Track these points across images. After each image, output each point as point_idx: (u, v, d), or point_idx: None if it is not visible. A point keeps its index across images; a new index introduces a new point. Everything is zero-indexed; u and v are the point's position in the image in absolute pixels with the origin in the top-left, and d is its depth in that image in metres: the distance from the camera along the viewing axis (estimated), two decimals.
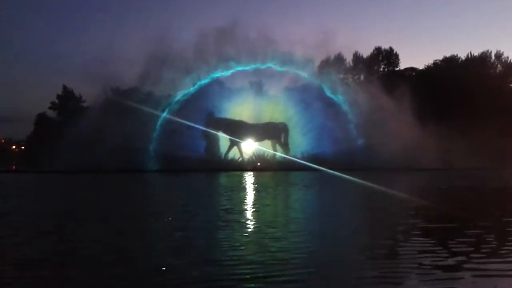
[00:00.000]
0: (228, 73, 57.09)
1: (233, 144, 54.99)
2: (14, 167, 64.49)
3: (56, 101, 71.02)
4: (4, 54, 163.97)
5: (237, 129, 54.38)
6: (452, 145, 53.21)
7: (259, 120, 56.66)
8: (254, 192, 18.38)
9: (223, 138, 55.61)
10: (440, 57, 73.85)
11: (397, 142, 49.87)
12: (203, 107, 54.57)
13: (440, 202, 14.32)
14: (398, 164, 47.92)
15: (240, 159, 55.37)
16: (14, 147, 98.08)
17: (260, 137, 55.75)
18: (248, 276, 5.10)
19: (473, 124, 53.48)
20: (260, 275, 5.16)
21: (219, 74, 56.93)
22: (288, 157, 52.93)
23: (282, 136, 56.25)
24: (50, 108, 71.35)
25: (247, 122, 56.04)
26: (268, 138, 56.23)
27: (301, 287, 4.81)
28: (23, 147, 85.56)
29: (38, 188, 25.52)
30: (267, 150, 55.34)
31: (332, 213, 12.23)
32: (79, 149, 46.84)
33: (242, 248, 6.80)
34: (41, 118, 70.02)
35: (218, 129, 54.22)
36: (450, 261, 5.89)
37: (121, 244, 7.35)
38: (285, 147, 56.03)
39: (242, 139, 54.97)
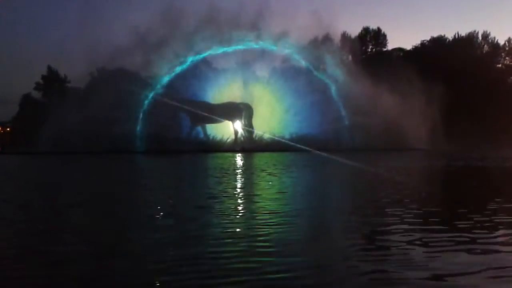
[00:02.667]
0: (215, 53, 56.66)
1: (194, 124, 54.27)
2: (0, 148, 63.77)
3: (41, 81, 69.93)
4: None
5: (197, 109, 52.72)
6: (439, 125, 53.88)
7: (249, 101, 56.34)
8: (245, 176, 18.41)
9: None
10: (428, 38, 74.16)
11: (384, 122, 50.36)
12: (189, 88, 54.28)
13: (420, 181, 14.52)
14: (384, 144, 48.56)
15: (229, 140, 55.39)
16: None
17: (221, 117, 54.73)
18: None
19: (459, 104, 54.12)
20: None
21: (207, 54, 56.43)
22: (270, 137, 52.83)
23: (244, 116, 55.68)
24: (35, 89, 70.29)
25: (208, 102, 55.00)
26: (229, 119, 55.59)
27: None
28: (8, 129, 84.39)
29: (19, 171, 25.27)
30: (256, 131, 55.26)
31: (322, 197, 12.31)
32: (65, 130, 46.48)
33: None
34: (26, 99, 68.95)
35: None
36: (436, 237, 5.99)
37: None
38: (248, 128, 55.64)
39: (202, 120, 53.88)
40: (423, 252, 5.26)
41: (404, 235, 6.11)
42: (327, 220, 7.87)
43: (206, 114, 52.66)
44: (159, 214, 8.18)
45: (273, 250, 5.42)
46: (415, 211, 8.17)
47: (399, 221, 7.16)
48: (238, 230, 6.61)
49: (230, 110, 54.69)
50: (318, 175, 18.81)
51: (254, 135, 55.07)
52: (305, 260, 4.99)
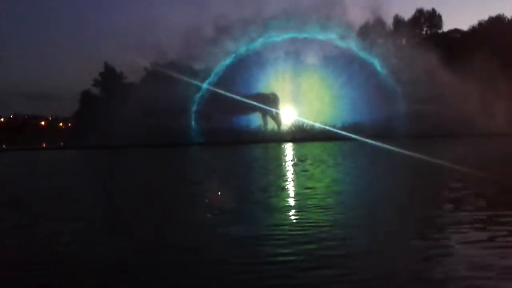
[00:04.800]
0: (264, 43, 56.50)
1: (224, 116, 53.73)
2: (62, 144, 67.26)
3: (99, 78, 72.83)
4: (46, 33, 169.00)
5: (223, 103, 51.85)
6: (502, 110, 51.13)
7: (299, 90, 55.93)
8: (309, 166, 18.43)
9: None
10: (486, 17, 70.18)
11: (444, 108, 48.40)
12: (240, 79, 54.58)
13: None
14: (444, 131, 46.61)
15: (277, 129, 55.45)
16: (61, 124, 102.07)
17: (249, 109, 54.09)
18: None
19: None
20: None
21: (256, 44, 56.41)
22: (326, 127, 52.09)
23: (273, 107, 55.21)
24: (93, 85, 73.30)
25: (234, 95, 52.39)
26: (258, 110, 54.79)
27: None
28: (69, 124, 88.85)
29: (82, 166, 26.59)
30: (306, 120, 54.80)
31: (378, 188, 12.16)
32: (122, 124, 48.18)
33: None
34: (86, 96, 72.08)
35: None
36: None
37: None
38: (276, 118, 55.15)
39: (231, 111, 53.33)
40: None
41: None
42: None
43: (237, 107, 52.40)
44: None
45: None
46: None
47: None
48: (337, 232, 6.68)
49: (259, 101, 54.41)
50: (378, 168, 18.48)
51: (279, 125, 54.87)
52: None
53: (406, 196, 9.62)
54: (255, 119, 56.19)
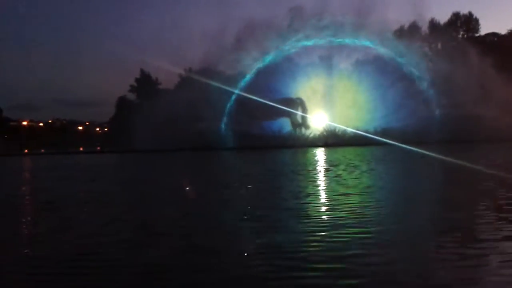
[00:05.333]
0: (297, 48, 56.60)
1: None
2: (98, 148, 69.27)
3: (135, 84, 74.76)
4: (84, 41, 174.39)
5: (254, 108, 52.18)
6: None
7: (332, 95, 55.75)
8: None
9: None
10: None
11: (480, 112, 47.01)
12: (272, 84, 54.82)
13: None
14: (480, 136, 45.25)
15: (312, 135, 55.33)
16: (97, 129, 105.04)
17: (277, 114, 54.38)
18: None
19: None
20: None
21: (288, 50, 56.58)
22: (359, 132, 51.58)
23: (299, 111, 54.71)
24: (129, 91, 75.32)
25: (262, 100, 52.40)
26: (285, 115, 55.04)
27: None
28: (106, 129, 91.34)
29: (117, 170, 27.27)
30: (338, 125, 54.49)
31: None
32: (157, 129, 49.28)
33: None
34: (122, 101, 74.16)
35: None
36: None
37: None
38: (303, 122, 55.05)
39: (260, 118, 53.57)
40: None
41: None
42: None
43: (265, 112, 52.78)
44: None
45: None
46: None
47: None
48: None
49: (286, 106, 54.24)
50: (412, 174, 18.22)
51: (309, 131, 54.86)
52: None
53: (443, 206, 9.49)
54: (286, 124, 56.33)
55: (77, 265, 5.29)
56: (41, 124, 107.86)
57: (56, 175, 21.27)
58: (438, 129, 49.76)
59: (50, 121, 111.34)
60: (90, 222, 8.19)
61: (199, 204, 10.13)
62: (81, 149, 71.17)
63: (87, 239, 6.63)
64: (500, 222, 6.92)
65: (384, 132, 49.19)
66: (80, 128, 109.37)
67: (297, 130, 56.04)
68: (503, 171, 14.54)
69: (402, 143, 36.75)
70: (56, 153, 58.05)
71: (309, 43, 56.26)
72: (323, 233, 6.30)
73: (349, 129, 53.61)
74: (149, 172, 22.02)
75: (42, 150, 71.38)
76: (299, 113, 56.19)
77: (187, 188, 13.38)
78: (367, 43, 56.14)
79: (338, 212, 8.00)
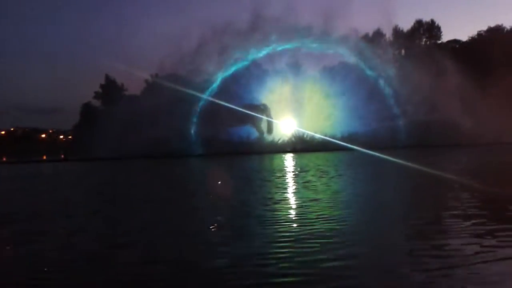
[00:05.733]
0: (264, 54, 56.76)
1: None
2: (62, 156, 67.28)
3: (100, 90, 73.16)
4: (46, 47, 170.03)
5: (222, 114, 51.58)
6: (501, 118, 51.05)
7: (299, 101, 56.13)
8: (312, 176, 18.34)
9: None
10: (484, 28, 70.60)
11: (441, 118, 48.49)
12: (239, 90, 54.71)
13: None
14: (442, 141, 46.70)
15: (280, 141, 55.44)
16: (61, 136, 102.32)
17: (243, 120, 53.87)
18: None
19: None
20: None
21: (256, 56, 56.67)
22: (325, 138, 52.11)
23: (264, 118, 55.11)
24: (94, 97, 73.64)
25: (230, 105, 51.67)
26: (249, 121, 54.56)
27: None
28: (70, 137, 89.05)
29: (80, 178, 26.50)
30: (306, 131, 54.89)
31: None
32: (123, 136, 48.26)
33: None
34: (86, 108, 72.41)
35: None
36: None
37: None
38: (268, 128, 55.27)
39: (227, 124, 52.91)
40: None
41: None
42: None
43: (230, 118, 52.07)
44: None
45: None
46: None
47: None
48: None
49: (251, 112, 54.07)
50: (378, 179, 18.41)
51: (278, 137, 54.94)
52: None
53: (412, 209, 9.55)
54: (253, 130, 56.30)
55: (38, 278, 4.96)
56: (2, 132, 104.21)
57: (15, 186, 20.39)
58: (403, 134, 51.08)
59: (12, 129, 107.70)
60: (49, 234, 7.78)
61: (164, 213, 9.83)
62: (45, 157, 68.92)
63: (41, 255, 6.25)
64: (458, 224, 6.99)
65: (351, 138, 49.94)
66: (44, 136, 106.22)
67: (263, 136, 56.06)
68: (466, 178, 14.87)
69: (368, 149, 37.37)
70: (18, 162, 55.92)
71: (276, 49, 56.53)
72: (290, 242, 6.16)
73: (317, 135, 54.08)
74: (114, 181, 21.44)
75: (4, 159, 68.75)
76: (264, 117, 56.21)
77: (152, 197, 13.03)
78: (333, 50, 56.95)
79: (307, 220, 7.91)
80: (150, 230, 7.84)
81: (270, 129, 56.69)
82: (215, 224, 7.94)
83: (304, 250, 5.71)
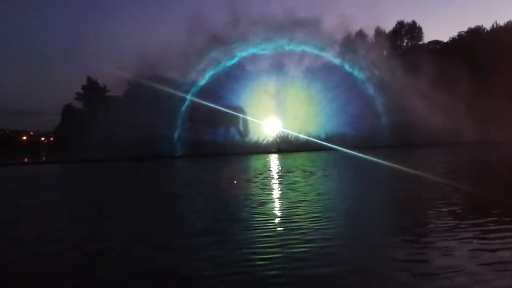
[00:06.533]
0: (248, 56, 56.78)
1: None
2: (44, 158, 66.22)
3: (82, 92, 72.15)
4: (30, 48, 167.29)
5: (205, 115, 52.09)
6: (481, 117, 51.98)
7: (283, 102, 56.25)
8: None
9: None
10: (465, 29, 71.77)
11: (424, 117, 49.10)
12: (223, 91, 54.60)
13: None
14: (425, 140, 47.40)
15: (264, 141, 55.50)
16: (43, 138, 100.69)
17: (215, 122, 53.81)
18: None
19: (500, 95, 51.96)
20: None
21: (240, 57, 56.63)
22: (308, 138, 52.36)
23: (239, 120, 55.17)
24: (76, 99, 72.58)
25: (214, 106, 51.79)
26: (224, 123, 54.53)
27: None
28: (51, 138, 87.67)
29: (61, 181, 26.10)
30: (290, 132, 55.10)
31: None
32: (106, 138, 47.69)
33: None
34: (68, 110, 71.38)
35: None
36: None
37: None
38: (244, 131, 55.30)
39: (212, 125, 53.19)
40: None
41: None
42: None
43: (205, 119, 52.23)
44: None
45: None
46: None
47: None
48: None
49: (225, 114, 53.93)
50: (361, 180, 18.54)
51: (246, 139, 55.01)
52: None
53: (396, 209, 9.63)
54: (233, 131, 56.31)
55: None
56: None
57: None
58: (386, 134, 51.68)
59: None
60: (23, 240, 7.60)
61: (146, 218, 9.58)
62: (26, 160, 67.73)
63: (13, 263, 6.07)
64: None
65: (335, 138, 50.33)
66: (25, 138, 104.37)
67: (242, 138, 55.72)
68: (449, 177, 15.07)
69: (352, 149, 37.67)
70: None
71: (260, 50, 56.58)
72: (276, 248, 6.09)
73: (302, 135, 54.32)
74: (96, 183, 21.15)
75: None
76: (241, 119, 55.79)
77: (135, 200, 12.87)
78: (317, 50, 57.25)
79: (293, 223, 7.89)
80: (128, 236, 7.67)
81: (246, 131, 56.53)
82: (200, 229, 7.79)
83: (291, 255, 5.68)
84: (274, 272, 5.02)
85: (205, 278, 4.97)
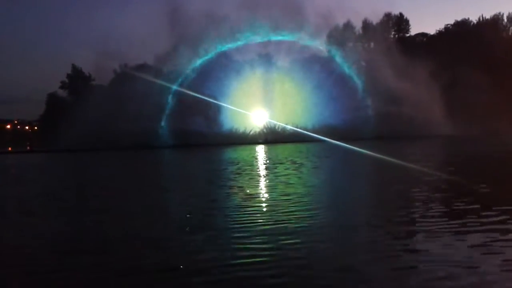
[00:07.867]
0: (236, 46, 56.53)
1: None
2: (28, 147, 65.36)
3: (66, 80, 71.10)
4: (14, 36, 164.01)
5: (193, 105, 52.30)
6: (465, 110, 52.51)
7: (270, 92, 56.23)
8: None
9: None
10: (451, 21, 72.28)
11: (409, 110, 49.53)
12: (209, 82, 54.35)
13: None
14: (409, 132, 47.83)
15: (252, 132, 55.52)
16: (27, 127, 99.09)
17: (196, 111, 53.55)
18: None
19: (485, 88, 52.50)
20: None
21: (227, 47, 56.36)
22: (295, 128, 52.48)
23: (209, 111, 55.20)
24: (60, 87, 71.54)
25: (201, 96, 52.84)
26: (196, 113, 54.08)
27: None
28: (36, 127, 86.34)
29: (44, 171, 25.80)
30: (278, 122, 55.19)
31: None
32: (91, 127, 47.23)
33: None
34: (52, 98, 70.34)
35: None
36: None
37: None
38: (214, 122, 55.25)
39: (198, 115, 53.31)
40: None
41: None
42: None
43: None
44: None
45: None
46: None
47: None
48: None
49: (200, 103, 53.39)
50: (346, 171, 18.63)
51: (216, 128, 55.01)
52: None
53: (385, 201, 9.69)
54: (228, 121, 56.06)
55: None
56: None
57: None
58: (372, 125, 52.03)
59: None
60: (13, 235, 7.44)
61: (132, 213, 9.26)
62: (10, 149, 66.75)
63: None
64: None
65: (321, 129, 50.54)
66: (9, 127, 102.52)
67: (212, 127, 54.69)
68: (435, 169, 15.23)
69: (339, 140, 37.90)
70: None
71: (247, 41, 56.37)
72: (265, 244, 6.02)
73: (289, 126, 54.50)
74: (81, 174, 20.90)
75: None
76: (214, 103, 55.06)
77: (120, 191, 12.74)
78: (304, 41, 57.23)
79: (281, 215, 7.88)
80: (114, 234, 7.39)
81: (217, 121, 55.74)
82: (188, 228, 7.48)
83: (278, 252, 5.64)
84: (268, 272, 4.99)
85: (191, 277, 4.87)
